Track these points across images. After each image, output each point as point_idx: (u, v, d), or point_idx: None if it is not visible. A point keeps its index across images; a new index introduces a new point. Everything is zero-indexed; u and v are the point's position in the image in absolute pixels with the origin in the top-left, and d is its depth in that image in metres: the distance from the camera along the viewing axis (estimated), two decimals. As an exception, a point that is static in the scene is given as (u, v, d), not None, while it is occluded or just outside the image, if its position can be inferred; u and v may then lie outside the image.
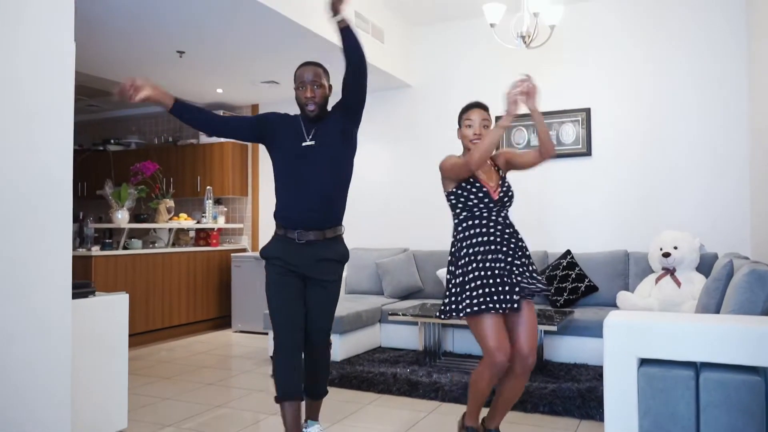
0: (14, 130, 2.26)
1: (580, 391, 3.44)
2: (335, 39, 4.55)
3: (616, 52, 5.09)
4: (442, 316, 2.58)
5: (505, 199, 2.61)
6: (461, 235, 2.59)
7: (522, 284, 2.52)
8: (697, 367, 2.24)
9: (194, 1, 3.84)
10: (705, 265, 4.33)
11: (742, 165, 4.65)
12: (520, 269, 2.55)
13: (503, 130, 2.44)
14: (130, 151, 7.35)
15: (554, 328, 3.85)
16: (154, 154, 6.96)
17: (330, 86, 2.70)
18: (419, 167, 5.78)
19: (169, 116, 7.40)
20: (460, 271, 2.55)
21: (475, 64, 5.57)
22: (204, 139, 6.84)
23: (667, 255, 4.31)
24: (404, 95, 5.96)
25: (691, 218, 4.76)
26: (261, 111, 6.68)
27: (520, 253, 2.58)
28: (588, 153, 5.16)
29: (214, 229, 6.46)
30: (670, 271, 4.33)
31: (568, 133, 5.21)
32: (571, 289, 4.65)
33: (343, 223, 2.75)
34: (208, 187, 6.51)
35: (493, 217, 2.56)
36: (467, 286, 2.49)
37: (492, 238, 2.53)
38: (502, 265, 2.50)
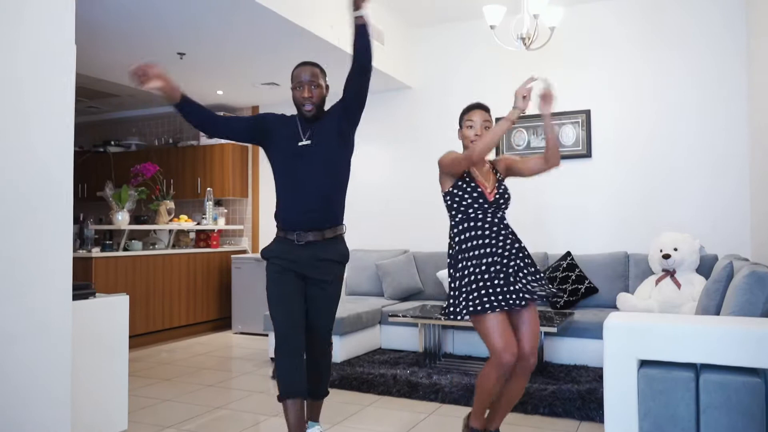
0: (15, 132, 2.26)
1: (580, 393, 3.44)
2: (335, 41, 4.61)
3: (616, 53, 5.09)
4: (447, 317, 2.56)
5: (501, 201, 2.60)
6: (457, 238, 2.59)
7: (528, 287, 2.50)
8: (697, 369, 2.24)
9: (194, 3, 3.84)
10: (705, 267, 4.33)
11: (742, 166, 4.65)
12: (523, 271, 2.53)
13: (509, 123, 2.43)
14: (130, 153, 7.35)
15: (554, 330, 3.85)
16: (155, 156, 6.97)
17: (327, 86, 2.70)
18: (419, 169, 5.78)
19: (169, 118, 7.44)
20: (459, 274, 2.55)
21: (476, 66, 5.58)
22: (204, 140, 6.85)
23: (667, 257, 4.31)
24: (404, 97, 5.96)
25: (691, 220, 4.76)
26: (261, 112, 6.69)
27: (521, 255, 2.57)
28: (588, 154, 5.17)
29: (214, 230, 6.47)
30: (670, 273, 4.33)
31: (568, 134, 5.21)
32: (571, 290, 4.65)
33: (343, 224, 2.75)
34: (209, 189, 6.51)
35: (488, 219, 2.55)
36: (467, 288, 2.49)
37: (487, 240, 2.52)
38: (499, 267, 2.50)
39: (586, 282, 4.69)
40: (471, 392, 3.56)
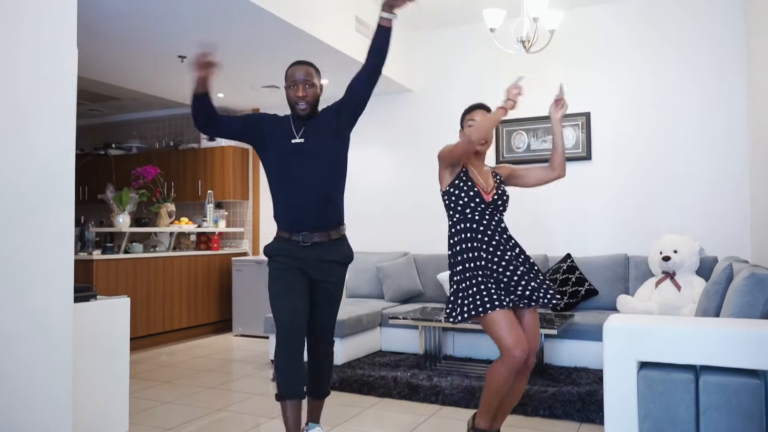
0: (16, 133, 2.27)
1: (580, 395, 3.44)
2: (335, 43, 4.62)
3: (616, 56, 5.11)
4: (450, 320, 2.53)
5: (499, 202, 2.61)
6: (454, 239, 2.59)
7: (529, 291, 2.51)
8: (697, 371, 2.24)
9: (194, 7, 3.86)
10: (705, 269, 4.34)
11: (742, 167, 4.66)
12: (526, 277, 2.53)
13: (504, 111, 2.48)
14: (131, 156, 7.37)
15: (554, 332, 3.86)
16: (156, 159, 6.99)
17: (321, 86, 2.69)
18: (420, 171, 5.79)
19: (170, 121, 7.46)
20: (459, 277, 2.55)
21: (476, 69, 5.59)
22: (205, 143, 6.86)
23: (667, 259, 4.32)
24: (405, 100, 5.97)
25: (691, 222, 4.77)
26: (254, 112, 6.69)
27: (521, 259, 2.58)
28: (588, 157, 5.18)
29: (215, 233, 6.47)
30: (670, 275, 4.34)
31: (568, 137, 5.22)
32: (572, 292, 4.66)
33: (344, 225, 2.75)
34: (209, 191, 6.52)
35: (485, 221, 2.56)
36: (468, 291, 2.49)
37: (484, 242, 2.52)
38: (495, 267, 2.51)
39: (586, 284, 4.70)
40: (471, 394, 3.57)
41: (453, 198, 2.59)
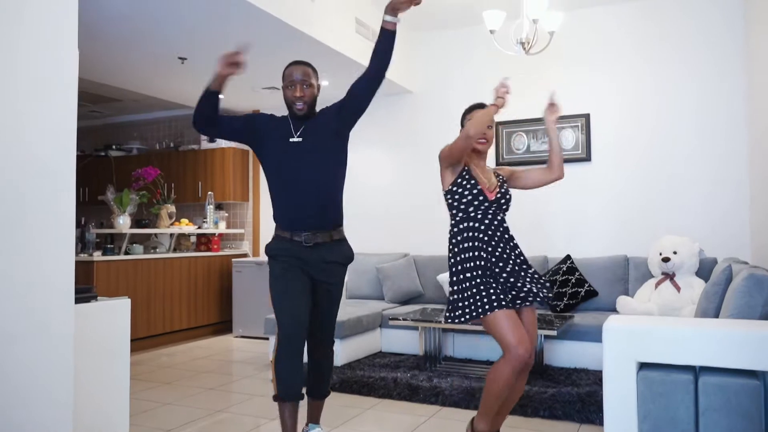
0: (17, 134, 2.28)
1: (580, 396, 3.44)
2: (335, 44, 4.63)
3: (615, 57, 5.12)
4: (452, 321, 2.52)
5: (502, 201, 2.61)
6: (456, 239, 2.59)
7: (529, 286, 2.53)
8: (696, 371, 2.25)
9: (195, 9, 3.87)
10: (704, 270, 4.34)
11: (741, 169, 4.67)
12: (521, 274, 2.56)
13: (496, 108, 2.53)
14: (131, 157, 7.37)
15: (554, 333, 3.86)
16: (156, 160, 6.99)
17: (319, 86, 2.70)
18: (420, 172, 5.80)
19: (170, 122, 7.47)
20: (460, 276, 2.55)
21: (475, 71, 5.60)
22: (205, 144, 6.87)
23: (666, 260, 4.32)
24: (405, 101, 5.98)
25: (690, 223, 4.77)
26: (251, 113, 6.71)
27: (522, 259, 2.60)
28: (587, 158, 5.18)
29: (215, 234, 6.48)
30: (669, 276, 4.34)
31: (568, 138, 5.23)
32: (571, 293, 4.66)
33: (343, 225, 2.76)
34: (210, 193, 6.53)
35: (488, 220, 2.56)
36: (469, 291, 2.49)
37: (485, 241, 2.53)
38: (495, 266, 2.52)
39: (586, 285, 4.70)
40: (471, 395, 3.57)
41: (456, 196, 2.59)
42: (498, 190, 2.62)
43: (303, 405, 2.71)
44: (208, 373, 4.51)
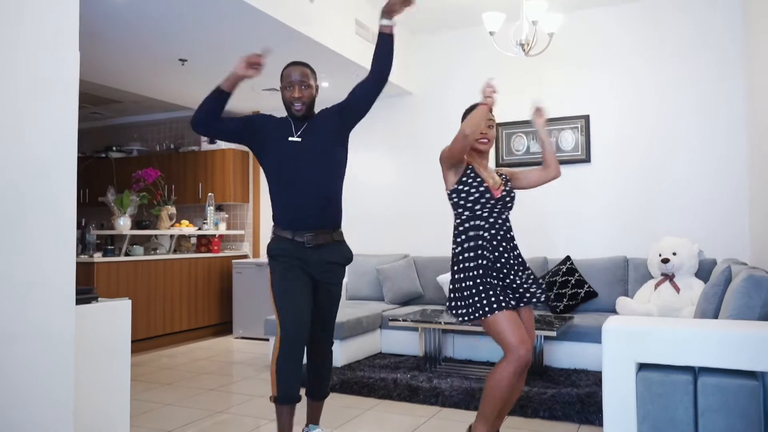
0: (18, 134, 2.29)
1: (580, 396, 3.45)
2: (335, 46, 4.64)
3: (615, 58, 5.12)
4: (451, 313, 2.53)
5: (507, 199, 2.62)
6: (461, 238, 2.59)
7: (526, 286, 2.54)
8: (696, 372, 2.25)
9: (195, 10, 3.87)
10: (704, 271, 4.34)
11: (741, 170, 4.67)
12: (519, 274, 2.57)
13: (486, 107, 2.54)
14: (131, 158, 7.38)
15: (554, 334, 3.87)
16: (156, 161, 7.00)
17: (317, 87, 2.71)
18: (420, 174, 5.80)
19: (171, 124, 7.48)
20: (462, 275, 2.55)
21: (475, 72, 5.60)
22: (205, 146, 6.88)
23: (666, 261, 4.33)
24: (405, 103, 5.99)
25: (690, 224, 4.78)
26: (250, 114, 6.72)
27: (520, 260, 2.62)
28: (587, 159, 5.19)
29: (215, 235, 6.49)
30: (669, 277, 4.35)
31: (568, 139, 5.23)
32: (571, 294, 4.66)
33: (343, 227, 2.77)
34: (210, 194, 6.54)
35: (493, 219, 2.57)
36: (471, 291, 2.49)
37: (488, 243, 2.53)
38: (497, 266, 2.52)
39: (586, 286, 4.70)
40: (471, 396, 3.57)
41: (463, 194, 2.59)
42: (503, 188, 2.63)
43: (302, 406, 2.72)
44: (209, 374, 4.51)
